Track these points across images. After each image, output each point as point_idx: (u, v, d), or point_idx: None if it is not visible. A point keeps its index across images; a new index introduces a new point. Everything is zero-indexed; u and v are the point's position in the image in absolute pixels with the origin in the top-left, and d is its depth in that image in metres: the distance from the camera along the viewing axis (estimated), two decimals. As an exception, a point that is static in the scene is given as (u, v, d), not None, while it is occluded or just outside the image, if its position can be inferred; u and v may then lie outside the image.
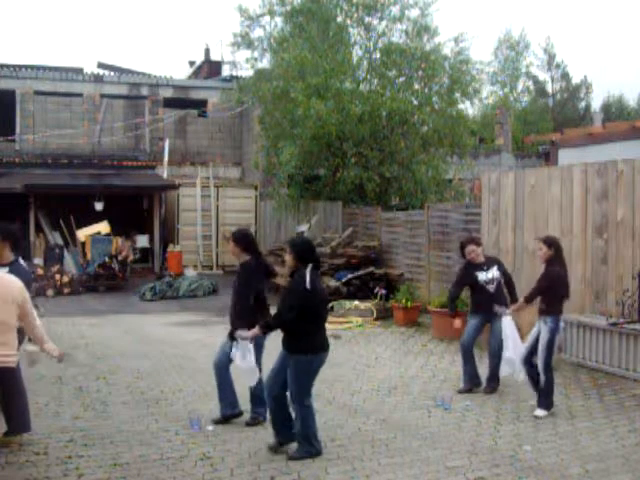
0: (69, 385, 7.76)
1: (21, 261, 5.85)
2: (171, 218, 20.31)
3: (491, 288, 7.57)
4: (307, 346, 5.40)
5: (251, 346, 6.03)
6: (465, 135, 17.19)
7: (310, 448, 5.48)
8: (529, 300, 6.84)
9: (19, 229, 6.08)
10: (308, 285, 5.34)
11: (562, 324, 6.75)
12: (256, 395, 6.29)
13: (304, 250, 5.55)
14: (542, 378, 6.63)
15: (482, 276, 7.60)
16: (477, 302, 7.67)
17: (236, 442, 5.81)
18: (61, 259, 17.50)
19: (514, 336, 7.20)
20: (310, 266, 5.47)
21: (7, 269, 5.61)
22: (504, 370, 7.34)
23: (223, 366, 6.26)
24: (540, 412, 6.56)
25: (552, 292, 6.63)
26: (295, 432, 5.52)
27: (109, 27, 69.29)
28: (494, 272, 7.61)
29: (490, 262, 7.72)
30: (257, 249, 6.52)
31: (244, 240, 6.38)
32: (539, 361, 6.63)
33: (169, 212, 20.59)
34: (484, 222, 10.96)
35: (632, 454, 5.55)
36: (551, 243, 6.73)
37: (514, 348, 7.15)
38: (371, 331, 11.38)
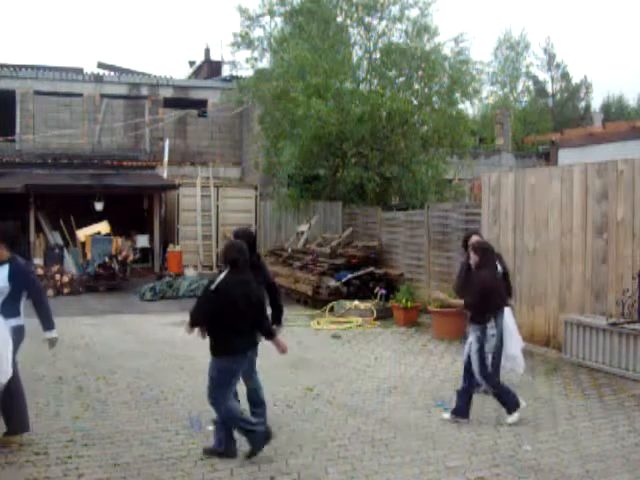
0: (69, 385, 7.76)
1: (19, 259, 5.84)
2: (171, 218, 20.30)
3: None
4: (220, 348, 5.46)
5: None
6: (465, 135, 17.20)
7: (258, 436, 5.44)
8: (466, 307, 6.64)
9: (15, 227, 6.09)
10: (213, 286, 5.42)
11: (492, 332, 6.41)
12: (252, 395, 6.29)
13: (224, 248, 5.60)
14: (487, 388, 6.42)
15: None
16: None
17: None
18: (61, 259, 17.50)
19: (513, 330, 7.20)
20: (229, 267, 5.47)
21: (7, 265, 5.64)
22: (506, 366, 7.35)
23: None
24: (510, 419, 6.34)
25: (480, 298, 6.42)
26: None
27: (109, 27, 69.36)
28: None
29: None
30: (255, 250, 6.51)
31: (245, 239, 6.37)
32: (475, 372, 6.38)
33: (169, 212, 20.58)
34: (484, 222, 10.96)
35: (632, 454, 5.55)
36: (476, 249, 6.59)
37: (514, 343, 7.16)
38: (371, 331, 11.37)
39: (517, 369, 7.28)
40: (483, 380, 6.37)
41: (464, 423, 6.32)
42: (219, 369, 5.46)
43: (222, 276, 5.50)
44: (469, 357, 6.45)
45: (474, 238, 7.57)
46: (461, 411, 6.43)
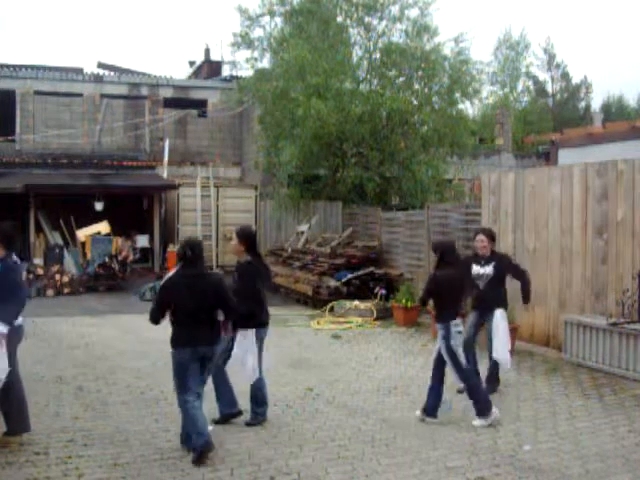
0: (69, 385, 7.76)
1: (14, 258, 5.77)
2: (171, 218, 20.30)
3: (480, 284, 7.41)
4: (171, 339, 5.67)
5: (254, 346, 6.08)
6: (465, 135, 17.20)
7: (198, 439, 5.41)
8: (421, 302, 6.82)
9: (12, 227, 6.04)
10: (162, 282, 5.72)
11: (457, 328, 6.41)
12: (256, 394, 6.30)
13: (179, 247, 5.75)
14: (464, 387, 6.47)
15: (475, 269, 7.43)
16: (473, 297, 7.64)
17: (236, 442, 5.81)
18: (61, 259, 17.49)
19: (502, 333, 7.19)
20: (180, 264, 5.67)
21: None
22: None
23: (218, 366, 6.26)
24: (477, 422, 6.27)
25: (439, 297, 6.48)
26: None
27: (109, 27, 69.36)
28: (488, 269, 7.39)
29: (491, 259, 7.46)
30: (256, 249, 6.51)
31: (249, 239, 6.37)
32: (452, 372, 6.43)
33: (169, 212, 20.58)
34: (484, 222, 10.95)
35: (632, 454, 5.55)
36: (435, 248, 6.66)
37: (501, 346, 7.16)
38: (371, 331, 11.37)
39: (504, 367, 7.36)
40: (460, 378, 6.38)
41: (434, 423, 6.31)
42: (172, 360, 5.70)
43: (172, 271, 5.75)
44: (437, 356, 6.52)
45: (478, 237, 7.57)
46: (429, 410, 6.40)
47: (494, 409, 6.31)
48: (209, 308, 5.61)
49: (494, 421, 6.24)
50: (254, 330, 6.16)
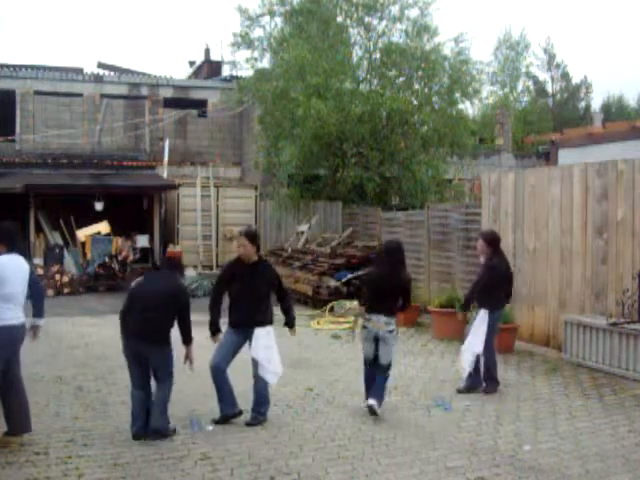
0: (69, 385, 7.76)
1: (5, 256, 5.70)
2: (171, 218, 20.29)
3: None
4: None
5: (274, 344, 6.31)
6: (465, 135, 17.21)
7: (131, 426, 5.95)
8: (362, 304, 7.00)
9: (13, 226, 6.04)
10: (133, 284, 6.03)
11: (365, 323, 6.77)
12: (258, 394, 6.30)
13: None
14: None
15: None
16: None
17: (236, 442, 5.81)
18: (61, 259, 17.49)
19: (472, 331, 7.40)
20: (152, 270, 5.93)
21: None
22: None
23: (221, 368, 6.26)
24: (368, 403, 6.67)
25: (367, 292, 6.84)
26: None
27: (109, 27, 69.35)
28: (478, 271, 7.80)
29: (484, 264, 7.69)
30: (259, 250, 6.62)
31: (258, 239, 6.49)
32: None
33: (169, 212, 20.57)
34: (484, 222, 10.96)
35: (632, 454, 5.55)
36: (383, 251, 6.92)
37: (467, 344, 7.39)
38: (371, 331, 11.35)
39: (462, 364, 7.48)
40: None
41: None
42: None
43: (141, 277, 6.11)
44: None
45: (479, 243, 7.70)
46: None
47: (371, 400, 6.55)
48: (161, 311, 5.80)
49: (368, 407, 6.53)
50: (272, 327, 6.40)
